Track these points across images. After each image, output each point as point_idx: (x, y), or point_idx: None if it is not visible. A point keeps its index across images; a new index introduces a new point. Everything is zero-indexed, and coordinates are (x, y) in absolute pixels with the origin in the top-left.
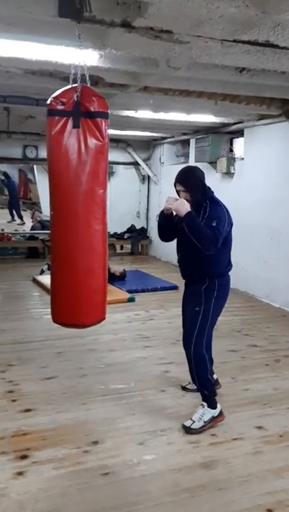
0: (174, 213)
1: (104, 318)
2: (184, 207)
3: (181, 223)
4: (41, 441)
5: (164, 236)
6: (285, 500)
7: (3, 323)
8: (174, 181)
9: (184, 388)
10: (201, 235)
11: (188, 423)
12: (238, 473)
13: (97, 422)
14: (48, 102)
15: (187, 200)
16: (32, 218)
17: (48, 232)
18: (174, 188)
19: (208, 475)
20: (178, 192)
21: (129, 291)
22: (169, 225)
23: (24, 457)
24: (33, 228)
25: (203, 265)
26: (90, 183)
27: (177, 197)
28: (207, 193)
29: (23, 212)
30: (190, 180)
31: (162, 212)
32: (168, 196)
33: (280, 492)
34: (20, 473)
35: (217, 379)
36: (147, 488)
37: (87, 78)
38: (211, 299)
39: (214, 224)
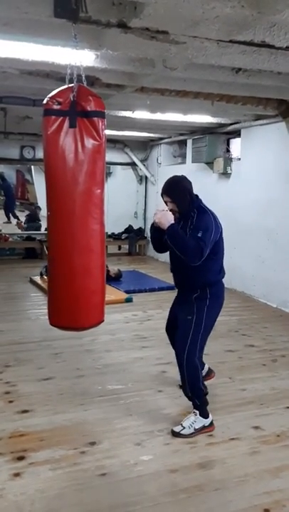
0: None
1: (102, 321)
2: (166, 219)
3: (164, 236)
4: (38, 442)
5: (158, 247)
6: (282, 500)
7: (0, 324)
8: (160, 192)
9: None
10: (184, 247)
11: (177, 429)
12: (235, 473)
13: (94, 422)
14: (45, 101)
15: (174, 211)
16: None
17: (46, 232)
18: None
19: (205, 475)
20: (165, 203)
21: (127, 292)
22: (160, 236)
23: (21, 458)
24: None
25: (194, 275)
26: (87, 183)
27: (166, 207)
28: (194, 202)
29: (19, 213)
30: (176, 191)
31: (153, 224)
32: (156, 208)
33: (276, 492)
34: (17, 474)
35: (209, 368)
36: (144, 488)
37: (84, 78)
38: (203, 308)
39: (200, 235)
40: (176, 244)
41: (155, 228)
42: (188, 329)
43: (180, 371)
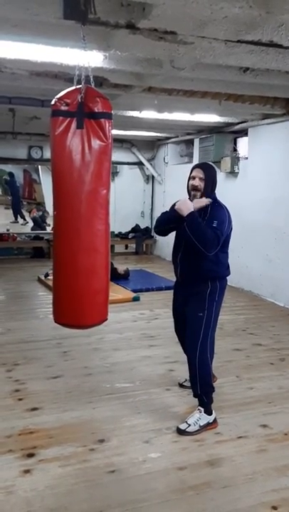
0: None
1: (106, 319)
2: (186, 206)
3: (183, 223)
4: (47, 439)
5: (163, 230)
6: None
7: (9, 323)
8: (192, 166)
9: (181, 385)
10: (202, 236)
11: (183, 426)
12: (243, 471)
13: (102, 420)
14: (52, 102)
15: (198, 190)
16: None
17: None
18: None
19: (213, 473)
20: (193, 178)
21: (134, 291)
22: (175, 221)
23: (31, 455)
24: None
25: (207, 267)
26: (94, 184)
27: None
28: (213, 193)
29: (27, 213)
30: (210, 172)
31: (173, 207)
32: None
33: (284, 489)
34: (27, 471)
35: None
36: (153, 485)
37: (92, 79)
38: (214, 303)
39: (215, 224)
40: (195, 231)
41: (173, 215)
42: (199, 326)
43: (191, 369)
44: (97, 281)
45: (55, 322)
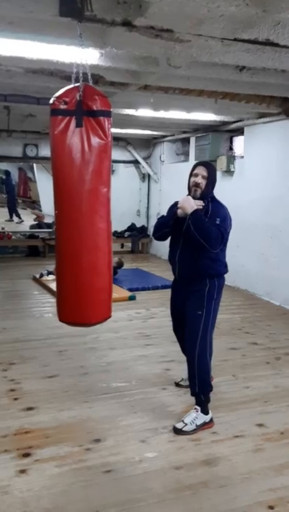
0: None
1: (109, 316)
2: (189, 204)
3: (188, 221)
4: (43, 439)
5: (164, 233)
6: (286, 497)
7: (4, 322)
8: (195, 164)
9: (177, 384)
10: (208, 233)
11: (179, 425)
12: (240, 470)
13: (98, 420)
14: (51, 101)
15: (199, 187)
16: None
17: (49, 230)
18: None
19: (209, 472)
20: (196, 175)
21: (130, 290)
22: (175, 222)
23: (27, 455)
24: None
25: (205, 265)
26: (94, 182)
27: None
28: (212, 192)
29: (22, 211)
30: (213, 171)
31: (173, 208)
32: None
33: (281, 489)
34: (23, 471)
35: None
36: (149, 485)
37: (89, 77)
38: (212, 301)
39: (218, 222)
40: (200, 228)
41: (173, 216)
42: (198, 324)
43: (190, 367)
44: (100, 279)
45: (60, 321)
